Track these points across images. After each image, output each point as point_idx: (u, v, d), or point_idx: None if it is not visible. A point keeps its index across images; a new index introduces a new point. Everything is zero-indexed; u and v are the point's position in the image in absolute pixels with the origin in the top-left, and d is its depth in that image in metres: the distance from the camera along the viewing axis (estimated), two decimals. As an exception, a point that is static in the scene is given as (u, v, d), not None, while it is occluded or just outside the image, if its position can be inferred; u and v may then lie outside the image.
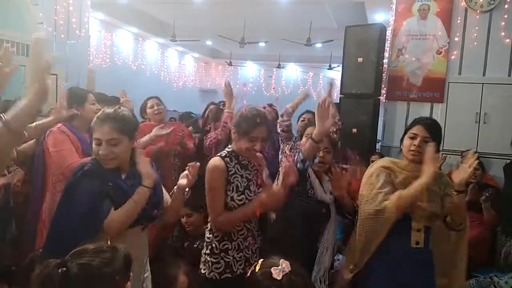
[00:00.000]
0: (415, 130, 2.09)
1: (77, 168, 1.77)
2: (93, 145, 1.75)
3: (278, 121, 3.33)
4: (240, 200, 2.05)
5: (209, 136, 3.50)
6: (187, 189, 1.96)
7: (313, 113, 3.49)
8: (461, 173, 2.00)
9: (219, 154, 2.12)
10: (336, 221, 2.55)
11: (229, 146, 2.16)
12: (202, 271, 2.15)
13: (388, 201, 2.00)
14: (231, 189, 2.05)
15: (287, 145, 3.10)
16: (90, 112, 2.61)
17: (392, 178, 2.08)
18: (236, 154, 2.11)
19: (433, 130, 2.09)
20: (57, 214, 1.74)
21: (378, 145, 4.89)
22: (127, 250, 1.32)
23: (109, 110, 1.79)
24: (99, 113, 1.79)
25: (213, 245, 2.11)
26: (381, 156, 4.30)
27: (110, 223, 1.64)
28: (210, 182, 2.04)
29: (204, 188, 2.08)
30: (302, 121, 3.63)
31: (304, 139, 2.50)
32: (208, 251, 2.14)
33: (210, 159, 2.18)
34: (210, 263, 2.11)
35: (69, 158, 2.40)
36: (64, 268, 1.17)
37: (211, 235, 2.14)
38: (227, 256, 2.10)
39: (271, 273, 1.40)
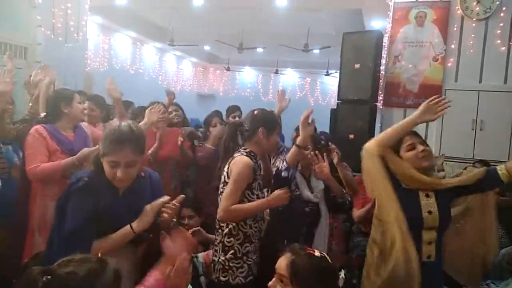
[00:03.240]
0: (408, 141, 2.08)
1: (73, 181, 1.70)
2: (107, 167, 1.68)
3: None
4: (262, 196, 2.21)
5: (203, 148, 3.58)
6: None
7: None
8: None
9: (241, 154, 2.18)
10: (327, 220, 2.65)
11: (244, 147, 2.24)
12: (223, 278, 2.12)
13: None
14: (256, 187, 2.16)
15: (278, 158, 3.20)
16: (78, 111, 2.63)
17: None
18: (255, 154, 2.20)
19: (419, 135, 2.17)
20: (52, 227, 1.70)
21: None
22: (117, 265, 1.25)
23: (124, 128, 1.72)
24: (111, 132, 1.71)
25: (236, 248, 2.13)
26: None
27: (93, 250, 1.58)
28: (238, 175, 2.09)
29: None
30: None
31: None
32: (230, 256, 2.13)
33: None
34: (234, 269, 2.12)
35: (34, 161, 2.38)
36: (49, 276, 1.11)
37: (231, 239, 2.15)
38: (249, 259, 2.15)
39: None
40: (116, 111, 3.37)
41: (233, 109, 4.10)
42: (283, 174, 2.49)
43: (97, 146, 2.48)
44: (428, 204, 1.99)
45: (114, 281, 1.20)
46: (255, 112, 2.29)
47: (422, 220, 1.96)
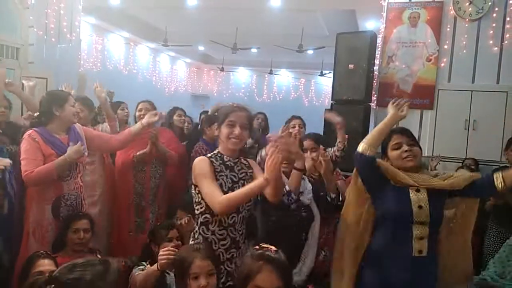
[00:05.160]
0: (396, 139, 2.10)
1: None
2: None
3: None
4: None
5: (197, 149, 3.52)
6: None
7: (301, 119, 3.53)
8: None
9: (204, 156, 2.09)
10: (319, 221, 2.56)
11: (217, 149, 2.12)
12: None
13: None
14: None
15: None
16: (70, 114, 2.58)
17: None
18: (221, 155, 2.05)
19: (410, 134, 2.15)
20: None
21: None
22: (120, 265, 1.28)
23: None
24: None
25: None
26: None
27: None
28: (200, 171, 1.95)
29: None
30: (293, 127, 3.43)
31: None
32: None
33: None
34: None
35: (28, 166, 2.37)
36: (53, 285, 1.13)
37: None
38: None
39: None
40: (104, 113, 3.48)
41: None
42: (286, 201, 2.35)
43: (81, 142, 2.51)
44: (419, 199, 2.02)
45: (118, 281, 1.22)
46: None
47: (412, 214, 2.00)
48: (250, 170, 2.10)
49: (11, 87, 3.22)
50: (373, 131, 2.15)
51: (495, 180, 1.97)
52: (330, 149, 3.22)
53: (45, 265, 2.06)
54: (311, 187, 2.54)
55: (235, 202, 1.88)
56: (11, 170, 2.68)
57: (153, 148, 3.31)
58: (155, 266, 2.17)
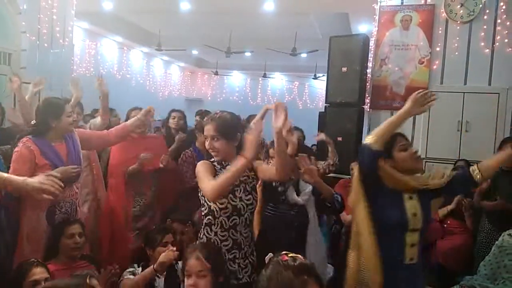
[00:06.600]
0: (401, 141, 2.04)
1: None
2: None
3: None
4: (221, 204, 2.01)
5: (184, 158, 3.52)
6: None
7: (301, 130, 3.57)
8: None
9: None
10: (316, 224, 2.59)
11: None
12: None
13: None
14: None
15: None
16: (66, 124, 2.55)
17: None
18: (220, 160, 2.12)
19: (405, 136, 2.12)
20: None
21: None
22: None
23: None
24: None
25: None
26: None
27: None
28: (202, 171, 2.03)
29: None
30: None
31: None
32: None
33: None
34: None
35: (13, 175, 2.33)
36: None
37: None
38: None
39: None
40: (101, 105, 3.55)
41: None
42: (279, 189, 2.48)
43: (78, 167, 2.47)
44: (412, 206, 1.98)
45: None
46: None
47: (407, 222, 1.96)
48: (252, 173, 2.12)
49: (16, 85, 3.33)
50: (385, 124, 2.00)
51: (472, 173, 1.99)
52: (323, 162, 3.37)
53: (39, 273, 2.04)
54: (310, 189, 2.57)
55: (222, 184, 1.87)
56: None
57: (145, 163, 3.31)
58: (150, 268, 2.21)
